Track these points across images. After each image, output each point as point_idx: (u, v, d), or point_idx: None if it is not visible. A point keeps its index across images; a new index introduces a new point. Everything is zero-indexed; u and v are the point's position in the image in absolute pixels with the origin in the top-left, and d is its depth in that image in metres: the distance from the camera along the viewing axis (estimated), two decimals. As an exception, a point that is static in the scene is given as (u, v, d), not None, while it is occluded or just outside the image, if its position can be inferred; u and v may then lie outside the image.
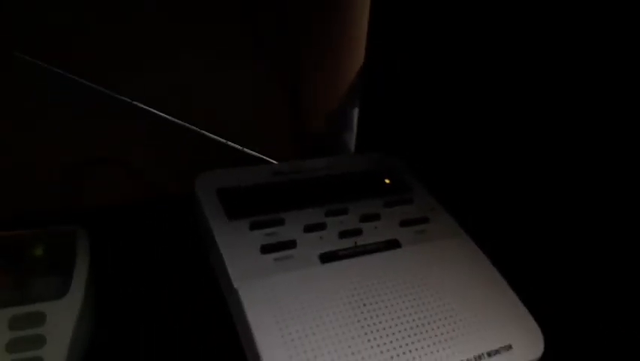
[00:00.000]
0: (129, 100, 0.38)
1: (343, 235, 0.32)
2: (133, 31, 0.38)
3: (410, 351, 0.26)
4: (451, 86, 0.40)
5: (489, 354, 0.27)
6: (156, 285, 0.33)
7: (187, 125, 0.41)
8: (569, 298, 0.32)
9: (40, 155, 0.39)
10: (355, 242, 0.32)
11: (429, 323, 0.28)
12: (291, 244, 0.30)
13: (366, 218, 0.34)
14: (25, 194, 0.38)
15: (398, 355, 0.26)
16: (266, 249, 0.30)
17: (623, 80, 0.28)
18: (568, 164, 0.32)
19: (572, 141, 0.32)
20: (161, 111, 0.39)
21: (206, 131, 0.41)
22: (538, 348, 0.28)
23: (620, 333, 0.30)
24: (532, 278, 0.32)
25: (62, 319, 0.25)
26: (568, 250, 0.33)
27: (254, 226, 0.31)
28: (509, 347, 0.28)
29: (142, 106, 0.38)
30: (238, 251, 0.29)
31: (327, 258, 0.30)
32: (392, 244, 0.32)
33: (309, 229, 0.32)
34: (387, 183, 0.38)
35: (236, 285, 0.27)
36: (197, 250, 0.35)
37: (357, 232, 0.32)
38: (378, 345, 0.26)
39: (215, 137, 0.40)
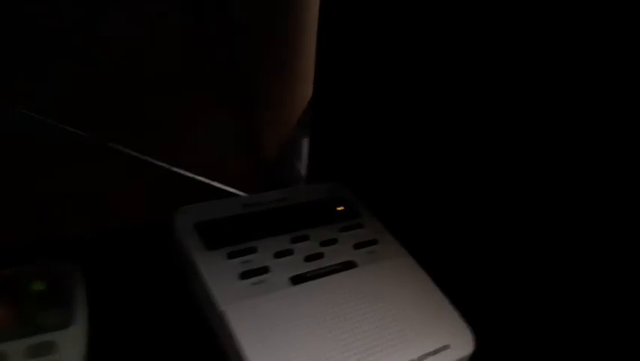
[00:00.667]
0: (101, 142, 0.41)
1: (308, 258, 0.37)
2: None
3: (370, 354, 0.32)
4: (391, 119, 0.46)
5: (432, 353, 0.33)
6: (141, 314, 0.36)
7: (153, 160, 0.45)
8: (495, 299, 0.38)
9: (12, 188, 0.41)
10: (319, 265, 0.37)
11: (383, 330, 0.33)
12: (265, 270, 0.35)
13: (325, 243, 0.39)
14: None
15: (362, 357, 0.31)
16: (244, 275, 0.34)
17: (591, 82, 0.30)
18: (486, 183, 0.39)
19: (498, 163, 0.38)
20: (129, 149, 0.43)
21: (167, 164, 0.45)
22: (469, 346, 0.35)
23: (538, 327, 0.37)
24: (463, 286, 0.38)
25: (71, 346, 0.28)
26: (493, 260, 0.39)
27: (231, 256, 0.36)
28: (447, 347, 0.34)
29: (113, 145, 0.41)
30: (219, 278, 0.34)
31: (297, 280, 0.35)
32: (349, 265, 0.38)
33: (278, 255, 0.37)
34: (340, 210, 0.44)
35: (222, 308, 0.32)
36: (175, 277, 0.39)
37: (320, 256, 0.38)
38: (346, 350, 0.31)
39: (184, 172, 0.44)
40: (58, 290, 0.31)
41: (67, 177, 0.43)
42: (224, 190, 0.49)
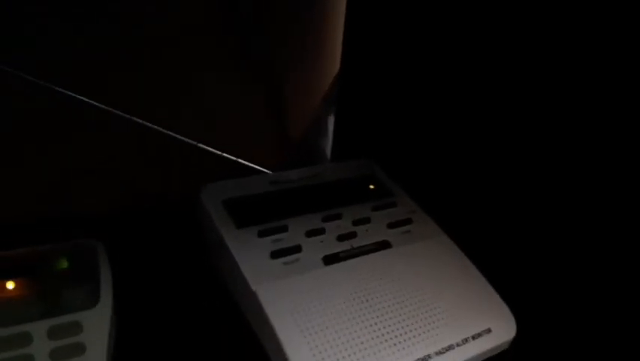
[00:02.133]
0: (127, 115, 0.39)
1: (341, 238, 0.35)
2: (124, 46, 0.40)
3: (408, 338, 0.30)
4: (421, 92, 0.44)
5: (473, 337, 0.32)
6: (165, 291, 0.35)
7: (177, 136, 0.43)
8: (535, 284, 0.37)
9: (30, 166, 0.40)
10: (352, 245, 0.35)
11: (420, 313, 0.32)
12: (296, 249, 0.33)
13: (358, 222, 0.37)
14: (14, 204, 0.39)
15: (399, 341, 0.30)
16: (275, 254, 0.33)
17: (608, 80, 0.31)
18: (526, 164, 0.37)
19: (530, 145, 0.36)
20: (151, 123, 0.41)
21: (193, 140, 0.44)
22: (512, 330, 0.33)
23: (579, 310, 0.35)
24: (503, 268, 0.37)
25: (97, 326, 0.27)
26: (531, 243, 0.38)
27: (262, 234, 0.34)
28: (489, 331, 0.32)
29: (135, 119, 0.40)
30: (250, 257, 0.32)
31: (329, 260, 0.33)
32: (384, 245, 0.36)
33: (310, 234, 0.35)
34: (372, 189, 0.42)
35: (254, 288, 0.30)
36: (199, 256, 0.38)
37: (353, 235, 0.36)
38: (382, 334, 0.30)
39: (209, 148, 0.42)
40: (82, 269, 0.30)
41: (91, 153, 0.41)
42: (249, 167, 0.47)
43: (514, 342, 0.33)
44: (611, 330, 0.33)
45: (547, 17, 0.33)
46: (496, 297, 0.35)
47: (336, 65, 0.53)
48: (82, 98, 0.39)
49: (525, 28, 0.34)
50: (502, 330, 0.33)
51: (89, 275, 0.29)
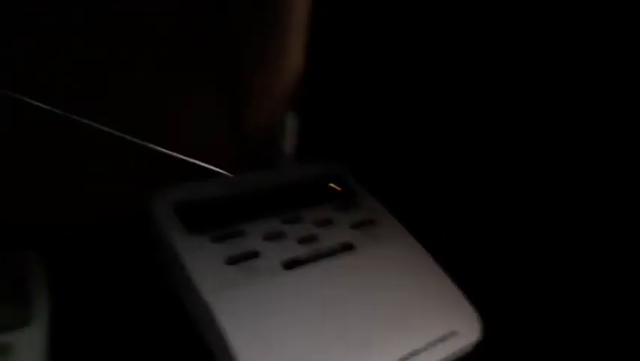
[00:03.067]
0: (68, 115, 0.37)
1: (302, 241, 0.34)
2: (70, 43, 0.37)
3: (372, 344, 0.29)
4: (385, 92, 0.43)
5: (439, 340, 0.31)
6: (113, 307, 0.32)
7: (129, 137, 0.41)
8: (501, 281, 0.36)
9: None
10: (313, 248, 0.34)
11: (385, 317, 0.31)
12: (254, 254, 0.32)
13: (320, 223, 0.36)
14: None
15: (364, 348, 0.28)
16: (231, 260, 0.31)
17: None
18: (488, 163, 0.36)
19: (491, 143, 0.36)
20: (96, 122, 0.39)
21: (146, 142, 0.41)
22: (477, 332, 0.32)
23: (545, 310, 0.35)
24: (467, 268, 0.36)
25: (30, 348, 0.24)
26: (495, 243, 0.37)
27: (215, 239, 0.32)
28: (454, 333, 0.31)
29: (78, 119, 0.37)
30: (203, 265, 0.30)
31: (290, 265, 0.32)
32: (347, 247, 0.34)
33: (269, 237, 0.33)
34: (334, 189, 0.41)
35: (207, 298, 0.28)
36: (151, 268, 0.35)
37: (314, 238, 0.34)
38: (346, 341, 0.28)
39: (165, 150, 0.40)
40: (12, 284, 0.27)
41: (29, 157, 0.38)
42: (207, 169, 0.45)
43: (479, 344, 0.32)
44: (578, 326, 0.33)
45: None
46: (461, 298, 0.34)
47: (299, 65, 0.51)
48: (20, 97, 0.36)
49: (493, 20, 0.34)
50: (468, 332, 0.32)
51: (21, 291, 0.27)
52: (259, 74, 0.50)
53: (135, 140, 0.40)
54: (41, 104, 0.35)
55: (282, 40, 0.49)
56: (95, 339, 0.30)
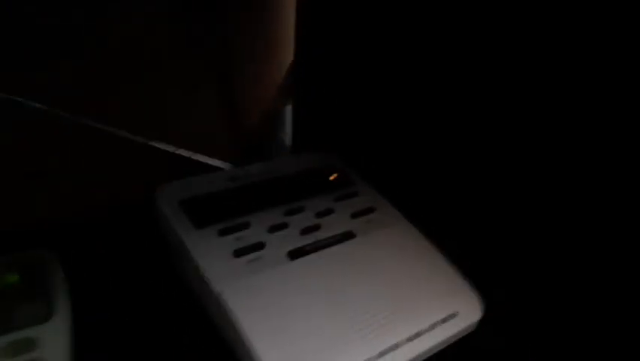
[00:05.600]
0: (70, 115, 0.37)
1: (304, 231, 0.35)
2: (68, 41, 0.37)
3: (377, 328, 0.30)
4: (378, 81, 0.43)
5: (441, 321, 0.32)
6: (127, 300, 0.33)
7: (127, 134, 0.41)
8: (498, 262, 0.37)
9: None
10: (316, 238, 0.35)
11: (388, 301, 0.32)
12: (260, 246, 0.33)
13: (321, 214, 0.37)
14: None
15: (369, 331, 0.29)
16: (238, 253, 0.32)
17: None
18: (486, 149, 0.37)
19: (489, 130, 0.37)
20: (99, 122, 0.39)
21: (142, 138, 0.42)
22: (478, 312, 0.33)
23: (544, 289, 0.36)
24: (465, 251, 0.37)
25: (53, 341, 0.25)
26: (494, 221, 0.38)
27: (222, 233, 0.33)
28: (456, 314, 0.33)
29: (82, 120, 0.38)
30: (212, 258, 0.31)
31: (294, 255, 0.33)
32: (348, 235, 0.36)
33: (273, 229, 0.34)
34: (332, 180, 0.42)
35: (218, 289, 0.29)
36: (160, 261, 0.36)
37: (316, 228, 0.35)
38: (351, 325, 0.29)
39: (161, 145, 0.41)
40: (34, 282, 0.28)
41: (37, 157, 0.39)
42: (206, 164, 0.46)
43: (481, 323, 0.33)
44: (578, 303, 0.34)
45: None
46: (461, 280, 0.35)
47: (290, 54, 0.52)
48: (19, 99, 0.36)
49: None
50: (469, 312, 0.33)
51: (42, 288, 0.27)
52: (252, 66, 0.50)
53: (133, 137, 0.41)
54: (44, 106, 0.35)
55: (271, 31, 0.49)
56: (112, 330, 0.31)
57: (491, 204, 0.38)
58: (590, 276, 0.34)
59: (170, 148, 0.42)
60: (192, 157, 0.46)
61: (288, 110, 0.55)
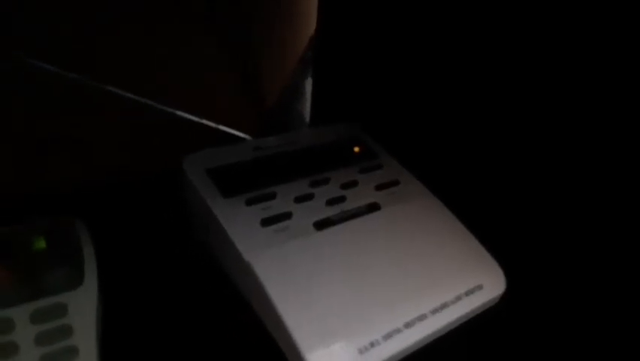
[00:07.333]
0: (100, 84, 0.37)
1: (330, 202, 0.35)
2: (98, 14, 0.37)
3: (403, 299, 0.30)
4: (403, 49, 0.43)
5: (466, 294, 0.32)
6: (152, 267, 0.34)
7: (154, 104, 0.41)
8: (522, 235, 0.37)
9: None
10: (341, 209, 0.35)
11: (413, 273, 0.32)
12: (287, 216, 0.33)
13: (346, 185, 0.37)
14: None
15: (396, 302, 0.30)
16: (265, 222, 0.32)
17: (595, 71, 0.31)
18: (515, 126, 0.37)
19: (519, 109, 0.36)
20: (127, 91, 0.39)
21: (165, 107, 0.41)
22: (502, 285, 0.34)
23: (566, 263, 0.36)
24: (491, 225, 0.37)
25: (83, 307, 0.26)
26: (516, 200, 0.38)
27: (249, 202, 0.33)
28: (480, 287, 0.33)
29: (109, 88, 0.38)
30: (241, 227, 0.31)
31: (320, 225, 0.33)
32: (373, 207, 0.35)
33: (299, 200, 0.34)
34: (356, 152, 0.41)
35: (247, 258, 0.29)
36: (184, 229, 0.36)
37: (342, 199, 0.35)
38: (378, 295, 0.30)
39: (187, 115, 0.40)
40: (61, 247, 0.28)
41: (64, 125, 0.39)
42: (228, 133, 0.46)
43: (504, 298, 0.33)
44: (600, 279, 0.34)
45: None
46: (485, 253, 0.35)
47: (312, 24, 0.51)
48: (50, 67, 0.36)
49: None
50: (493, 285, 0.33)
51: (69, 254, 0.28)
52: (274, 36, 0.49)
53: (159, 106, 0.40)
54: (71, 73, 0.35)
55: (293, 4, 0.49)
56: (139, 296, 0.31)
57: (520, 180, 0.37)
58: (609, 262, 0.33)
59: (195, 118, 0.42)
60: (219, 128, 0.46)
61: (308, 82, 0.54)
